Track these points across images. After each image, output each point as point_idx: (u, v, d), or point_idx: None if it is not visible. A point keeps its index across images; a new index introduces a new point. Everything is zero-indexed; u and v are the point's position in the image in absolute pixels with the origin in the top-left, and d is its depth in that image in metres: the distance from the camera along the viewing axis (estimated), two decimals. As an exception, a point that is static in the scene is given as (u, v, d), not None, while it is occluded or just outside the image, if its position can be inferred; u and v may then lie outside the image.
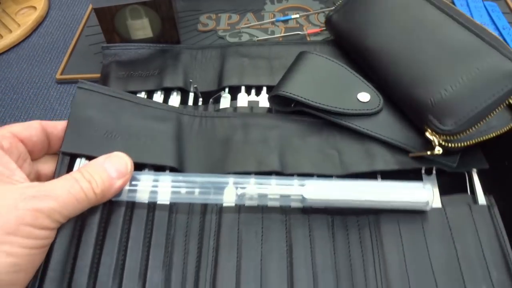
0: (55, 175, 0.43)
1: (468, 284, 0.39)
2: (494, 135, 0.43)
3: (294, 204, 0.44)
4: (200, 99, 0.56)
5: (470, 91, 0.42)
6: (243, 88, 0.56)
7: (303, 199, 0.42)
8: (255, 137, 0.48)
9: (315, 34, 0.64)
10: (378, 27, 0.51)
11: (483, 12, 0.65)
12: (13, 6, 0.72)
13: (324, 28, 0.64)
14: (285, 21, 0.67)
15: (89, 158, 0.44)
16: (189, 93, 0.57)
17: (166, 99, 0.56)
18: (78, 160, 0.44)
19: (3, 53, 0.67)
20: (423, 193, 0.42)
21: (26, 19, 0.70)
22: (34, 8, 0.72)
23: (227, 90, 0.56)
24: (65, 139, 0.44)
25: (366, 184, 0.43)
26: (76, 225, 0.40)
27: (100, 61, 0.62)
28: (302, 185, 0.43)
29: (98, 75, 0.60)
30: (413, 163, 0.46)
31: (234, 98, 0.56)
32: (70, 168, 0.43)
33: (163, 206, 0.43)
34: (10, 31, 0.68)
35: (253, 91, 0.56)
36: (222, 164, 0.47)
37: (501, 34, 0.62)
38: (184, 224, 0.43)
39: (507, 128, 0.44)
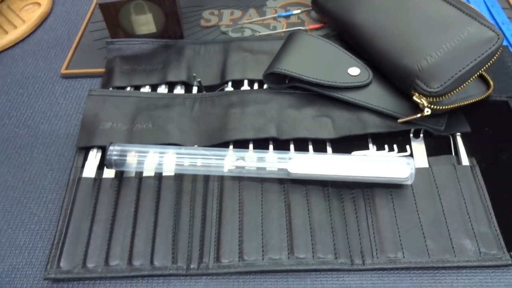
0: (73, 166, 0.49)
1: (453, 236, 0.43)
2: (472, 101, 0.50)
3: (282, 177, 0.46)
4: (204, 93, 0.57)
5: (454, 56, 0.47)
6: (245, 82, 0.57)
7: (288, 173, 0.45)
8: (252, 110, 0.52)
9: (317, 29, 0.65)
10: (365, 5, 0.55)
11: (483, 7, 0.66)
12: (18, 2, 0.73)
13: (326, 23, 0.65)
14: (287, 17, 0.68)
15: (100, 147, 0.51)
16: (192, 87, 0.58)
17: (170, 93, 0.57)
18: (91, 151, 0.51)
19: (8, 48, 0.67)
20: (405, 169, 0.44)
21: (30, 15, 0.71)
22: (39, 4, 0.72)
23: (230, 84, 0.57)
24: (79, 136, 0.51)
25: (351, 159, 0.45)
26: (91, 200, 0.46)
27: (104, 56, 0.62)
28: (289, 159, 0.45)
29: (103, 69, 0.61)
30: (403, 125, 0.50)
31: (237, 91, 0.57)
32: (85, 159, 0.50)
33: (168, 175, 0.48)
34: (15, 27, 0.69)
35: (255, 85, 0.57)
36: (221, 133, 0.50)
37: (500, 29, 0.62)
38: (188, 190, 0.47)
39: (483, 96, 0.51)
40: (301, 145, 0.50)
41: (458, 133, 0.50)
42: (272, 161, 0.46)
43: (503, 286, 0.40)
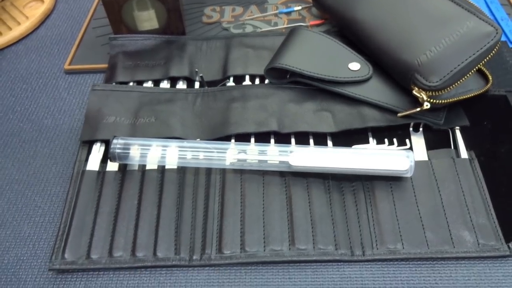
0: (76, 159, 0.50)
1: (452, 227, 0.43)
2: (471, 95, 0.51)
3: (283, 169, 0.47)
4: (206, 88, 0.57)
5: (453, 50, 0.47)
6: (247, 77, 0.58)
7: (289, 165, 0.46)
8: (253, 104, 0.53)
9: (317, 25, 0.66)
10: (365, 1, 0.55)
11: (482, 4, 0.66)
12: (21, -1, 0.74)
13: (326, 20, 0.66)
14: (288, 13, 0.69)
15: (104, 141, 0.51)
16: (194, 82, 0.58)
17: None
18: (94, 145, 0.51)
19: (12, 44, 0.68)
20: (405, 162, 0.45)
21: (34, 12, 0.71)
22: (42, 1, 0.73)
23: (231, 79, 0.58)
24: (82, 130, 0.52)
25: (351, 152, 0.46)
26: (95, 192, 0.47)
27: (107, 52, 0.63)
28: (290, 152, 0.46)
29: (106, 65, 0.62)
30: (402, 119, 0.51)
31: (238, 86, 0.57)
32: (89, 153, 0.51)
33: (171, 168, 0.48)
34: (19, 24, 0.70)
35: (257, 80, 0.58)
36: (223, 127, 0.51)
37: (499, 25, 0.63)
38: (191, 183, 0.48)
39: (482, 91, 0.52)
40: (302, 139, 0.51)
41: (457, 127, 0.51)
42: (273, 154, 0.46)
43: (501, 277, 0.41)
